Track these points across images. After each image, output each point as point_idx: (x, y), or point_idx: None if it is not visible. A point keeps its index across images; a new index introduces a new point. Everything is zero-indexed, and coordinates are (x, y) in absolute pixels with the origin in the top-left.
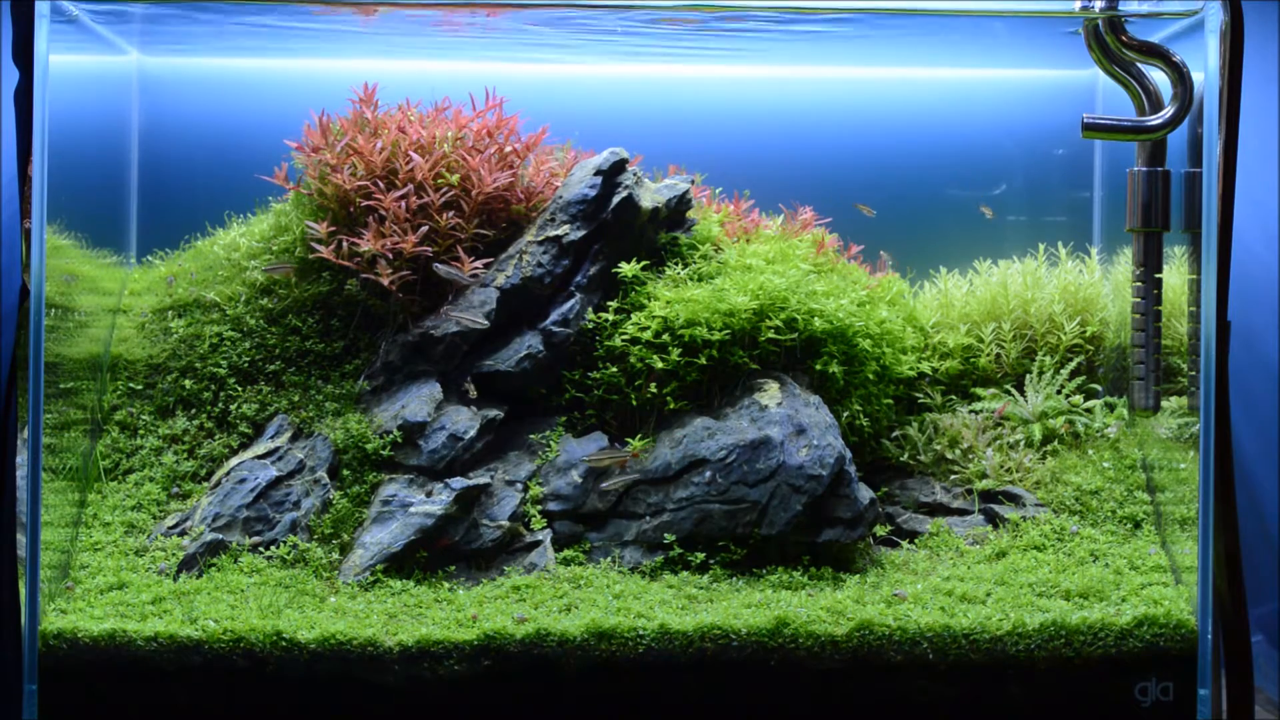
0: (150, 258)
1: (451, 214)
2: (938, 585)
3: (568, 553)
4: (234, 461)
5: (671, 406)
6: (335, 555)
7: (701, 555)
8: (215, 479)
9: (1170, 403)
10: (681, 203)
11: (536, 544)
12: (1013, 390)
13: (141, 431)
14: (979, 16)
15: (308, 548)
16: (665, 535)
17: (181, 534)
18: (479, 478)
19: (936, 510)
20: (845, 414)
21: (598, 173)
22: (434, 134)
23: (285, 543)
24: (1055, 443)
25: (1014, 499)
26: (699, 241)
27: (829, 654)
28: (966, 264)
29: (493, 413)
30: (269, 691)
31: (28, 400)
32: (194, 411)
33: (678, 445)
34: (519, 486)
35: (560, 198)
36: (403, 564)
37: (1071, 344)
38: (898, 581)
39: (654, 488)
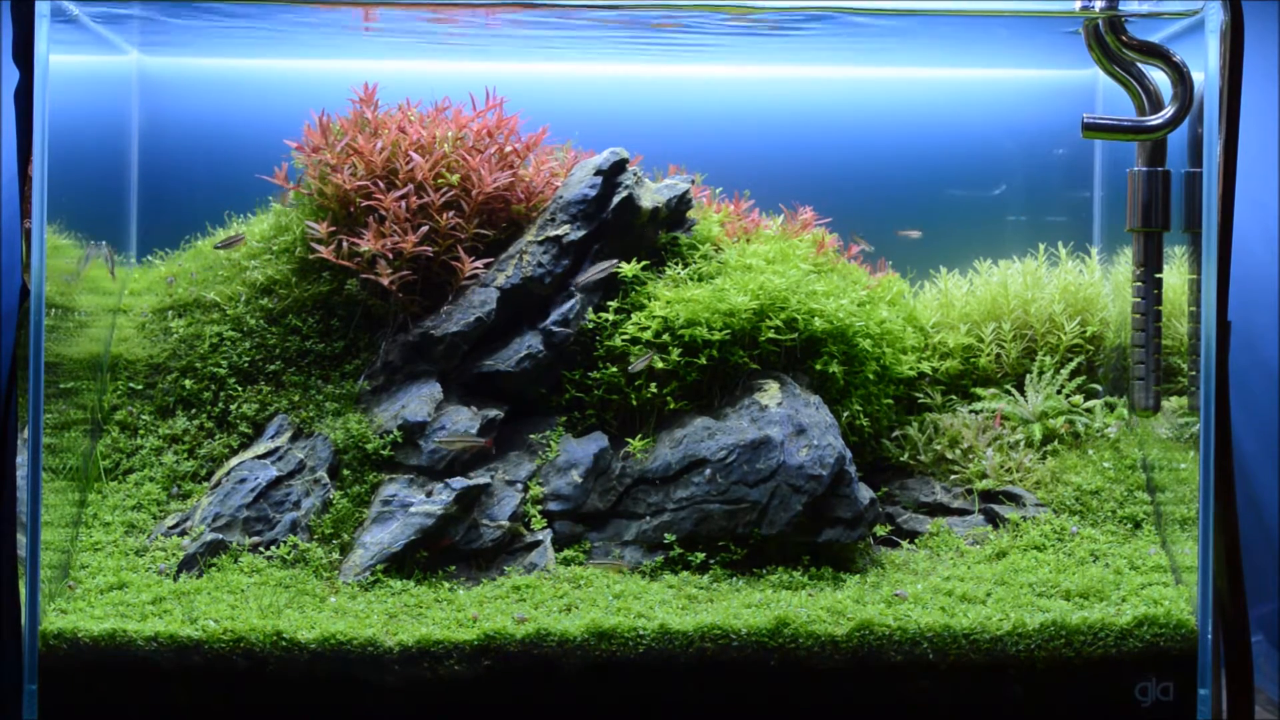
0: (150, 258)
1: (451, 214)
2: (938, 585)
3: (568, 553)
4: (234, 461)
5: (671, 406)
6: (335, 555)
7: (701, 555)
8: (215, 479)
9: (1170, 403)
10: (681, 203)
11: (536, 544)
12: (1013, 390)
13: (141, 431)
14: (979, 16)
15: (308, 548)
16: (665, 535)
17: (181, 534)
18: (479, 478)
19: (936, 510)
20: (845, 414)
21: (598, 173)
22: (434, 134)
23: (285, 543)
24: (1055, 443)
25: (1014, 499)
26: (699, 241)
27: (829, 654)
28: (966, 264)
29: (493, 413)
30: (269, 691)
31: (28, 400)
32: (194, 411)
33: (678, 445)
34: (519, 486)
35: (560, 198)
36: (403, 564)
37: (1071, 344)
38: (898, 581)
39: (654, 488)
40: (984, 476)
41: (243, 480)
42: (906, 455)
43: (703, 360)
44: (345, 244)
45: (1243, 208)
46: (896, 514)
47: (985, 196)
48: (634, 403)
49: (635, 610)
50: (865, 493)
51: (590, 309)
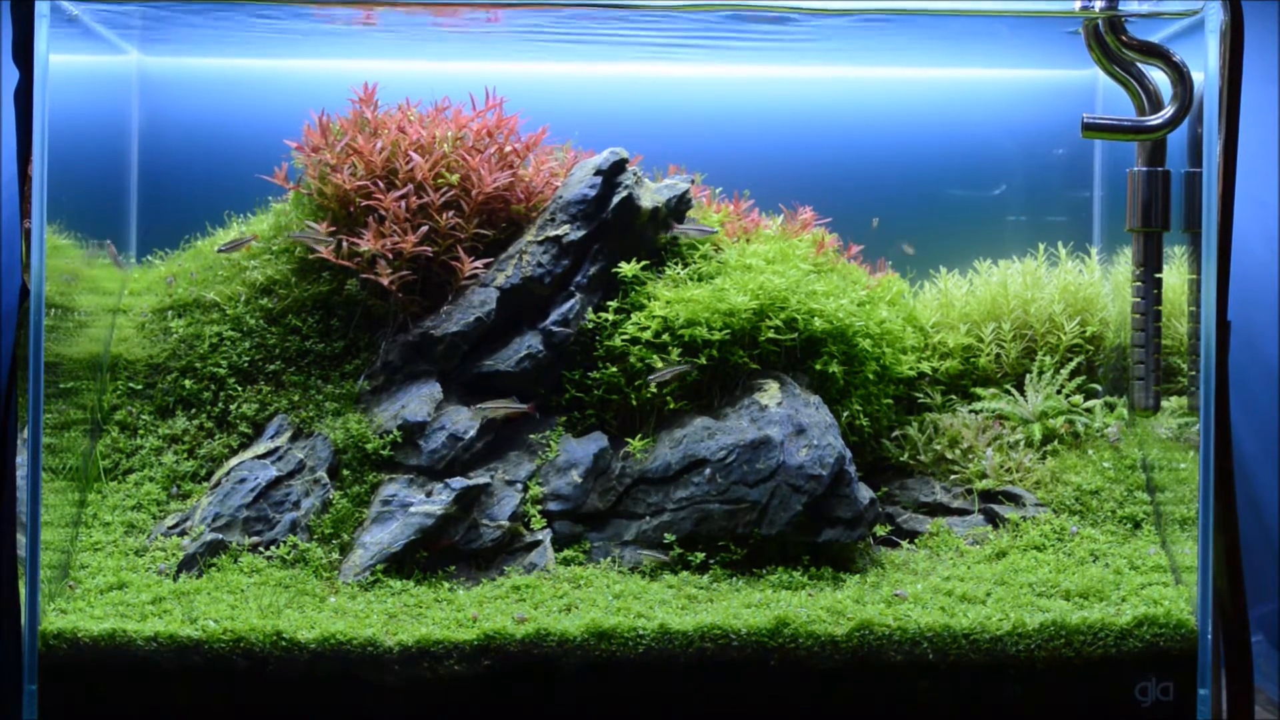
0: (150, 258)
1: (451, 214)
2: (938, 585)
3: (568, 553)
4: (234, 461)
5: (671, 406)
6: (335, 555)
7: (701, 555)
8: (215, 479)
9: (1170, 403)
10: (681, 203)
11: (536, 544)
12: (1013, 390)
13: (141, 431)
14: (980, 16)
15: (308, 548)
16: (665, 535)
17: (181, 534)
18: (479, 478)
19: (936, 510)
20: (845, 414)
21: (598, 173)
22: (434, 134)
23: (285, 543)
24: (1055, 443)
25: (1014, 499)
26: (699, 241)
27: (829, 654)
28: (966, 264)
29: None
30: (269, 691)
31: (28, 400)
32: (194, 411)
33: (678, 445)
34: (519, 486)
35: (560, 198)
36: (403, 564)
37: (1071, 344)
38: (898, 581)
39: (654, 488)
40: (984, 476)
41: (242, 480)
42: (906, 455)
43: (702, 360)
44: (345, 244)
45: (1243, 208)
46: (896, 514)
47: (985, 196)
48: (634, 403)
49: (635, 610)
50: (865, 493)
51: (590, 309)
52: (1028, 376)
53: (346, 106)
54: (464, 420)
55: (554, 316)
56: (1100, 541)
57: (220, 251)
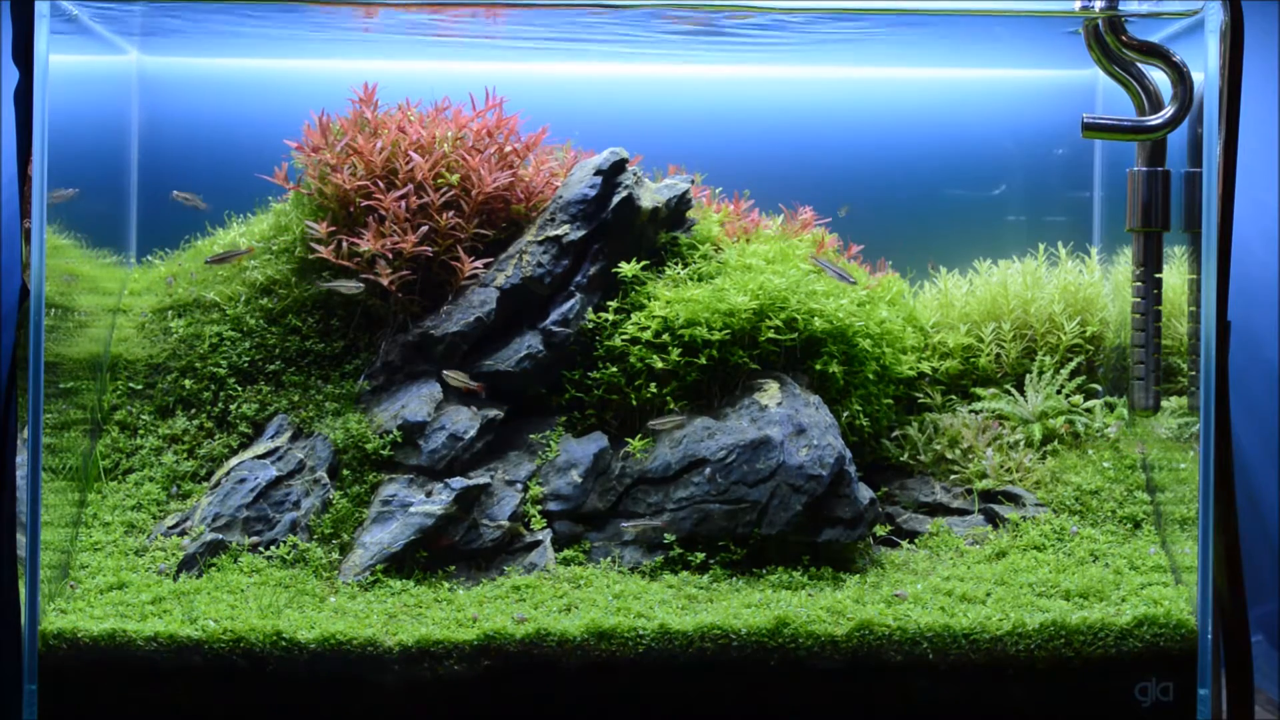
0: (150, 258)
1: (451, 214)
2: (938, 585)
3: (568, 553)
4: (234, 461)
5: (671, 407)
6: (335, 555)
7: (701, 555)
8: (215, 479)
9: (1170, 403)
10: (681, 202)
11: (536, 544)
12: (1013, 390)
13: (141, 431)
14: (979, 16)
15: (308, 548)
16: (665, 535)
17: (181, 534)
18: (479, 478)
19: (936, 510)
20: (845, 414)
21: (598, 173)
22: (434, 134)
23: (285, 543)
24: (1055, 443)
25: (1014, 499)
26: (699, 241)
27: (829, 654)
28: (966, 264)
29: (493, 413)
30: (269, 691)
31: (28, 400)
32: (194, 411)
33: (678, 445)
34: (519, 486)
35: (560, 198)
36: (403, 564)
37: (1071, 344)
38: (898, 581)
39: (654, 488)
40: (984, 476)
41: (242, 480)
42: (906, 455)
43: (703, 360)
44: (345, 244)
45: (1243, 208)
46: (896, 514)
47: (985, 196)
48: (634, 403)
49: (635, 610)
50: (865, 493)
51: (590, 309)
52: (1028, 376)
53: (346, 106)
54: (464, 420)
55: (554, 316)
56: (1100, 541)
57: (209, 263)
